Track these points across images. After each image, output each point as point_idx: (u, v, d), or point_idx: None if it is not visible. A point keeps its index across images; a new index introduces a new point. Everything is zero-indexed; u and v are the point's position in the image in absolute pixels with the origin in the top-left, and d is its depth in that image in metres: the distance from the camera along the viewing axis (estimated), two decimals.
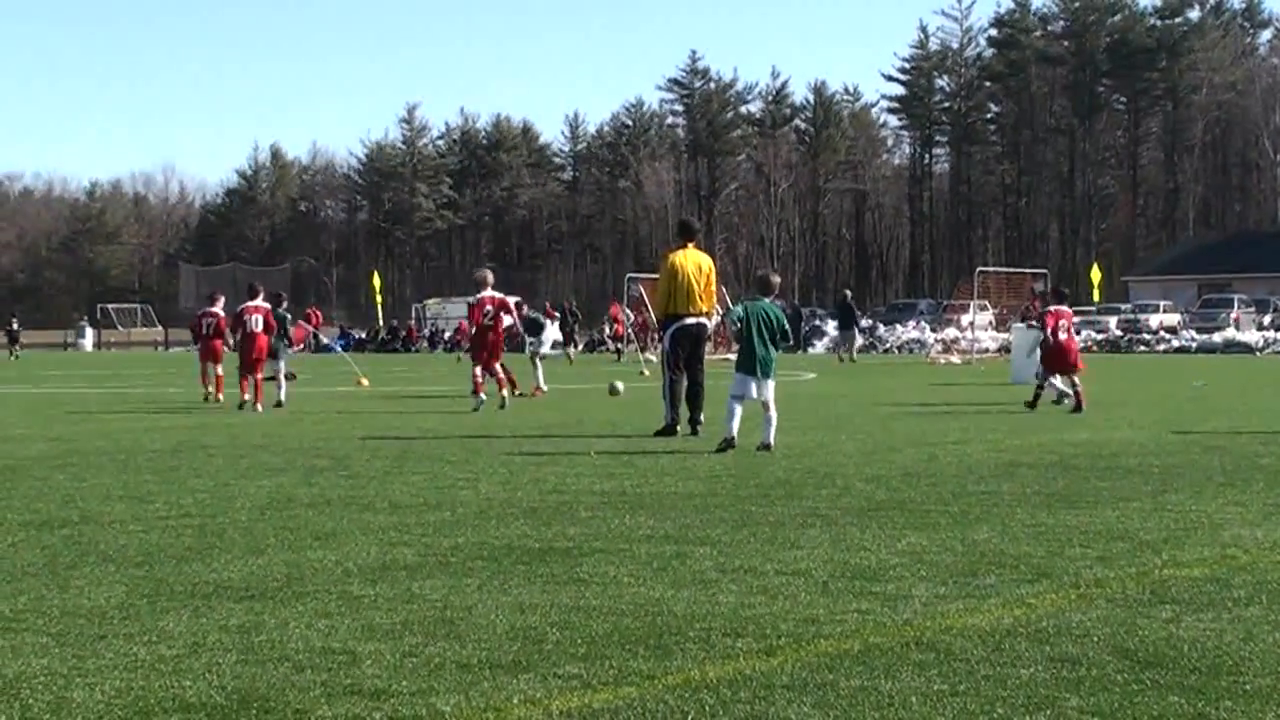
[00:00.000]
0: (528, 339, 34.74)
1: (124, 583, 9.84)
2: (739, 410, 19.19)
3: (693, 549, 11.07)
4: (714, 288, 22.10)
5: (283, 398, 30.15)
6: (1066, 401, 27.44)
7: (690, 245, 22.48)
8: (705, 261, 22.33)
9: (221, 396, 31.24)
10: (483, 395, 28.17)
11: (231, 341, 31.68)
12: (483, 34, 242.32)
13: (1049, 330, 27.81)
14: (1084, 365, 28.23)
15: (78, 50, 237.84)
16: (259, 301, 30.78)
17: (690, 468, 17.09)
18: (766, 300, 20.01)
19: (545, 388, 33.48)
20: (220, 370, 31.89)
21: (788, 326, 20.27)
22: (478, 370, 28.52)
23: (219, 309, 32.78)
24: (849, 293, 72.58)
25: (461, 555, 10.87)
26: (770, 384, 19.35)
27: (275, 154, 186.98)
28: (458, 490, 14.99)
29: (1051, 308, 28.65)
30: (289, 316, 32.82)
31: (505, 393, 28.76)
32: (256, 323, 30.15)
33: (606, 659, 7.67)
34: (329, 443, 21.04)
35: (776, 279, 21.05)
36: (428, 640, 8.09)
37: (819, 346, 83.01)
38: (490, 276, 29.80)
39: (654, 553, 10.92)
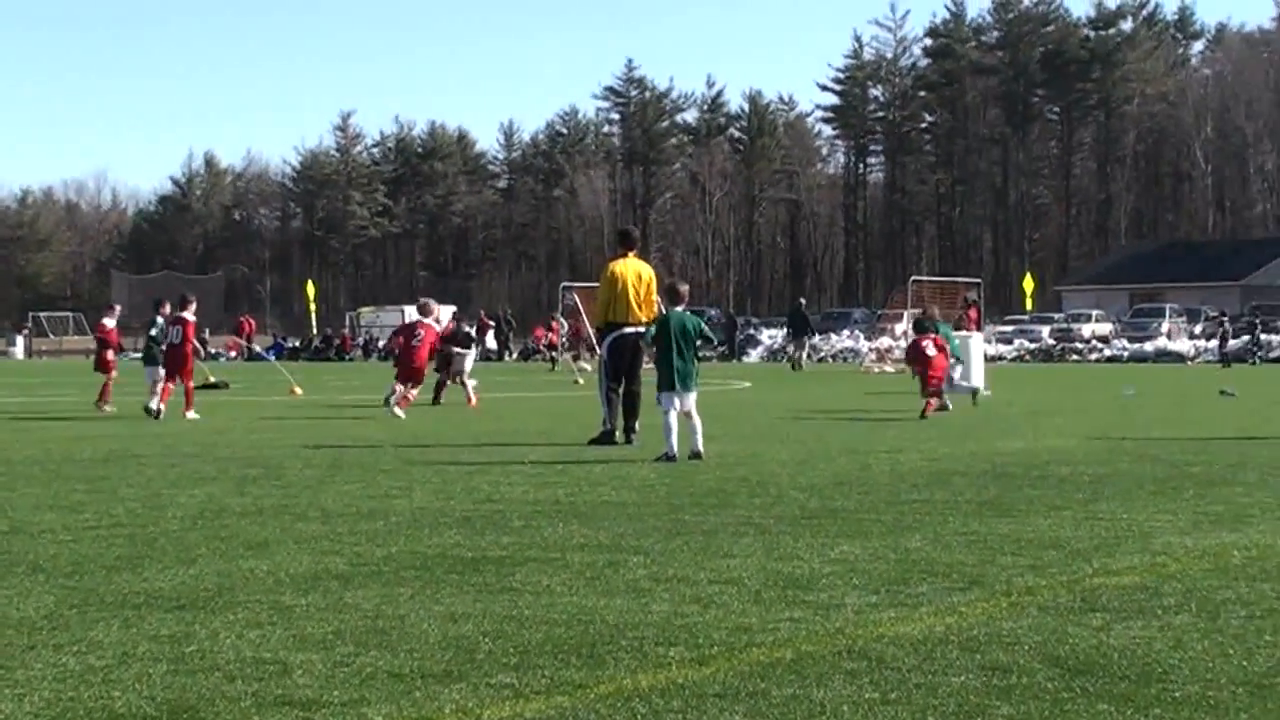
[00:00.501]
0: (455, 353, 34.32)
1: (53, 593, 9.77)
2: (674, 423, 19.21)
3: (626, 558, 11.08)
4: (654, 297, 22.09)
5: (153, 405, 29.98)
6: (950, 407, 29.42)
7: (630, 254, 22.48)
8: (645, 271, 22.34)
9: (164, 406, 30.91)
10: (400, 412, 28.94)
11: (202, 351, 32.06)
12: (418, 42, 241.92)
13: (921, 349, 29.60)
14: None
15: (8, 56, 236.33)
16: (188, 314, 30.88)
17: (624, 476, 17.09)
18: (678, 309, 20.04)
19: (475, 400, 33.30)
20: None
21: (706, 329, 20.36)
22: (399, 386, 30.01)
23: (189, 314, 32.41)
24: (803, 301, 72.97)
25: (394, 565, 10.85)
26: (692, 395, 19.38)
27: (209, 161, 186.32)
28: (391, 499, 14.96)
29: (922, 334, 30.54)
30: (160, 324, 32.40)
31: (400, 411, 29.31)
32: (177, 334, 30.34)
33: (539, 668, 7.67)
34: (262, 452, 20.95)
35: (684, 286, 21.05)
36: (359, 650, 8.07)
37: (754, 355, 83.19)
38: (435, 309, 32.14)
39: (587, 562, 10.92)
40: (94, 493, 15.76)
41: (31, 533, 12.63)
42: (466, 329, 35.11)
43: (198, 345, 31.92)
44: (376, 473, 17.69)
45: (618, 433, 21.64)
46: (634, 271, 22.14)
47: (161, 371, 30.56)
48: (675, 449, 18.98)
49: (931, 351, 29.26)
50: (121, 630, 8.61)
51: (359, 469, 18.19)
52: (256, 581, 10.18)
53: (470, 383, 33.91)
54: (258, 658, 7.90)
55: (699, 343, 19.78)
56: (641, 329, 21.20)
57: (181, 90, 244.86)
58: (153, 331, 31.61)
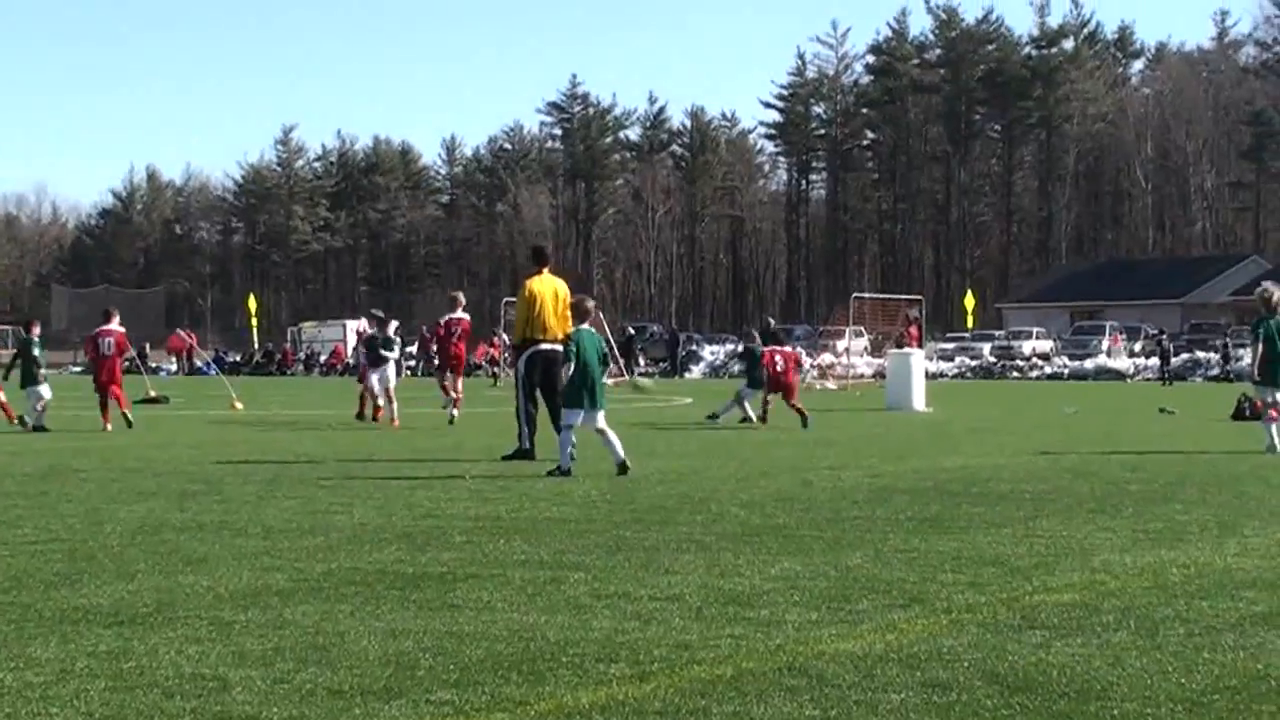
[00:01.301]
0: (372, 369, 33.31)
1: None
2: (572, 439, 19.29)
3: (567, 574, 11.06)
4: (569, 314, 22.12)
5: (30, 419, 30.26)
6: (750, 426, 31.37)
7: (545, 271, 22.55)
8: (562, 288, 22.43)
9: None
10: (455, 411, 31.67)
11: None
12: (361, 56, 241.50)
13: (766, 364, 31.73)
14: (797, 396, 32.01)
15: None
16: (114, 325, 31.14)
17: (565, 493, 17.08)
18: (585, 327, 20.07)
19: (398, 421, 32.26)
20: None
21: (606, 349, 20.55)
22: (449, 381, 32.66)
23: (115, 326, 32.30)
24: (772, 320, 73.00)
25: (334, 580, 10.81)
26: (600, 413, 19.45)
27: (150, 175, 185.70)
28: (331, 515, 14.90)
29: (768, 347, 32.70)
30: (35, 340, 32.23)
31: (455, 410, 31.81)
32: (109, 346, 30.57)
33: (479, 685, 7.65)
34: (202, 467, 20.86)
35: (591, 303, 21.07)
36: (299, 666, 8.04)
37: (696, 371, 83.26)
38: (462, 298, 34.57)
39: (528, 578, 10.90)
40: (33, 508, 15.66)
41: None
42: (386, 337, 34.08)
43: (135, 358, 32.21)
44: (316, 488, 17.62)
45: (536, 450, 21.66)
46: (551, 288, 22.26)
47: (43, 390, 30.68)
48: (569, 464, 19.12)
49: (780, 365, 31.60)
50: (59, 646, 8.55)
51: (299, 484, 18.12)
52: (196, 597, 10.14)
53: (393, 404, 32.86)
54: (197, 674, 7.87)
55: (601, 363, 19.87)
56: (559, 345, 21.18)
57: (122, 103, 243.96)
58: (35, 352, 31.51)
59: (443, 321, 33.73)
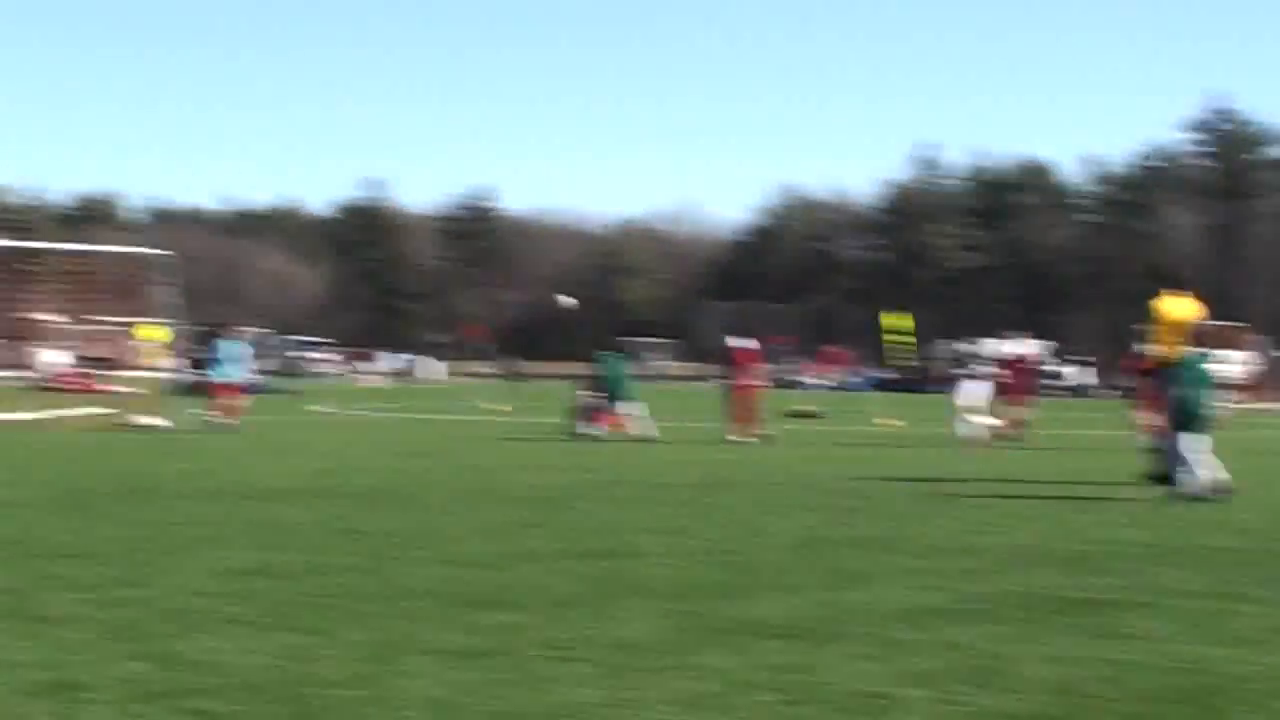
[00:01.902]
0: None
1: (661, 616, 9.97)
2: (1198, 462, 18.92)
3: (1234, 605, 10.71)
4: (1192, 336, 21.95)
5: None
6: None
7: (1179, 292, 22.85)
8: (1194, 308, 22.47)
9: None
10: None
11: None
12: (999, 72, 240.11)
13: None
14: None
15: (616, 97, 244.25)
16: (749, 342, 32.46)
17: (1225, 520, 16.57)
18: (1197, 350, 20.09)
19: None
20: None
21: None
22: None
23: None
24: None
25: (995, 602, 10.72)
26: (1205, 438, 19.10)
27: (793, 192, 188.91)
28: (986, 535, 14.83)
29: None
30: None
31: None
32: (746, 360, 32.05)
33: (1150, 717, 7.45)
34: (852, 482, 21.08)
35: (1212, 325, 21.08)
36: (966, 689, 7.96)
37: None
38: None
39: (1193, 608, 10.59)
40: (693, 517, 16.11)
41: (636, 555, 12.95)
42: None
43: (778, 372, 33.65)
44: (969, 507, 17.59)
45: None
46: (1184, 309, 22.30)
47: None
48: (1203, 487, 18.75)
49: None
50: (729, 657, 8.70)
51: (953, 501, 18.13)
52: (860, 613, 10.18)
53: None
54: (865, 690, 7.89)
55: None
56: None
57: (766, 122, 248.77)
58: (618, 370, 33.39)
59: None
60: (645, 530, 14.88)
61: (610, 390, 33.21)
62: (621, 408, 33.00)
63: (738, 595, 10.87)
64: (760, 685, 8.00)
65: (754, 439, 30.90)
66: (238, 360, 36.59)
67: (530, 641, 8.94)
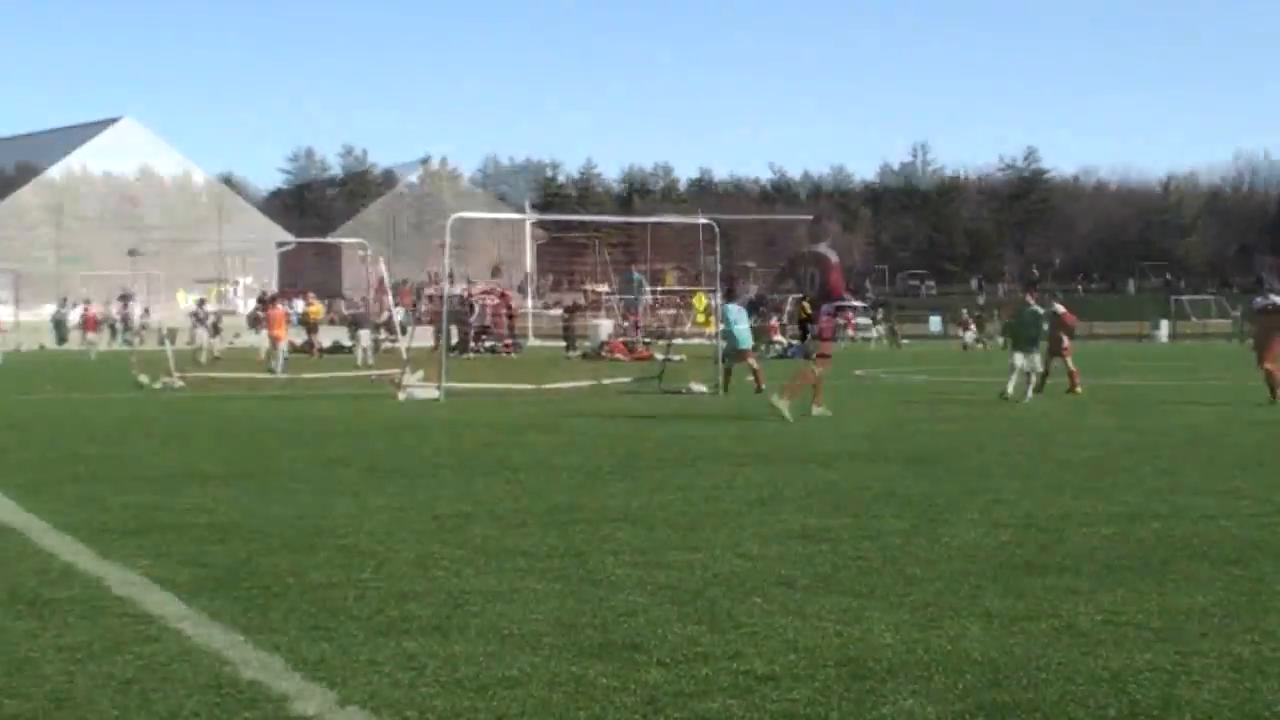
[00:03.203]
0: None
1: (1220, 580, 9.65)
2: None
3: None
4: None
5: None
6: None
7: None
8: None
9: None
10: None
11: None
12: None
13: None
14: None
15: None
16: None
17: None
18: None
19: None
20: None
21: None
22: None
23: None
24: None
25: None
26: None
27: None
28: None
29: None
30: None
31: None
32: None
33: None
34: None
35: None
36: None
37: None
38: None
39: None
40: (1247, 477, 15.61)
41: (1191, 518, 12.56)
42: None
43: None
44: None
45: None
46: None
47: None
48: None
49: None
50: None
51: None
52: None
53: None
54: None
55: None
56: None
57: None
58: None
59: None
60: (1196, 492, 14.44)
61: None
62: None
63: None
64: None
65: None
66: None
67: (1081, 607, 8.75)
